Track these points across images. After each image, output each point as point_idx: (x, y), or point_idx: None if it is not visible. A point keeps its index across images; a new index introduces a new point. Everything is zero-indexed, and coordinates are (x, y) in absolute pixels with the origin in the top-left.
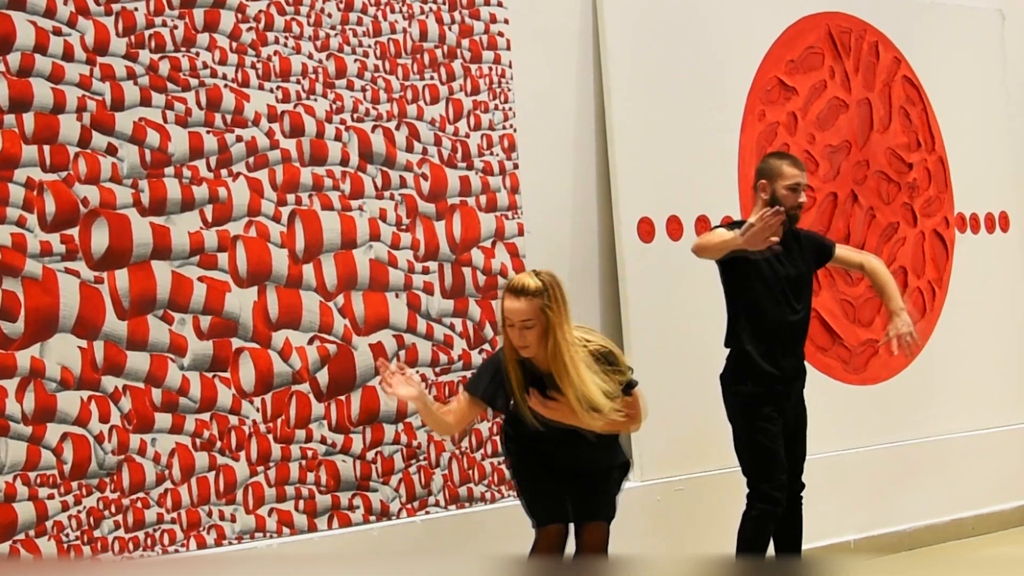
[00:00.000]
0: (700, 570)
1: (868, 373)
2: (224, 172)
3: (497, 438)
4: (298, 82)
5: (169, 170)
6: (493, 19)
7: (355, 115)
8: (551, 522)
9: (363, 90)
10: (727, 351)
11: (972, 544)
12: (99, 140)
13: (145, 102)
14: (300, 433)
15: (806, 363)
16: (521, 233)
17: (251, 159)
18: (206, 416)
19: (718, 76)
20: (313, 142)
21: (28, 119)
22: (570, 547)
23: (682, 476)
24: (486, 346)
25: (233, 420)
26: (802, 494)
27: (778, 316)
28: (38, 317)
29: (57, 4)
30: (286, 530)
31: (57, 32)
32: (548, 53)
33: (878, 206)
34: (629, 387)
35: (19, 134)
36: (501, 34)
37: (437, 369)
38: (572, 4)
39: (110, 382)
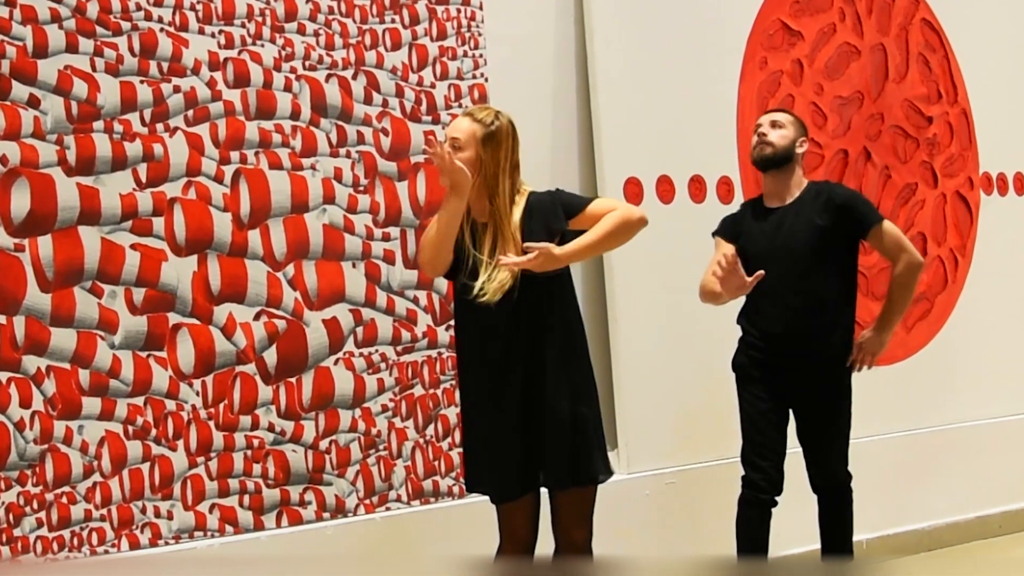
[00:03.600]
0: (693, 571)
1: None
2: (160, 127)
3: None
4: (243, 26)
5: (98, 124)
6: None
7: (307, 63)
8: (515, 494)
9: (316, 35)
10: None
11: (999, 544)
12: (19, 91)
13: (71, 48)
14: (245, 420)
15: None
16: None
17: (190, 112)
18: (139, 400)
19: (715, 19)
20: (260, 93)
21: None
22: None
23: (674, 468)
24: (453, 321)
25: (170, 405)
26: (838, 489)
27: (776, 287)
28: None
29: None
30: (229, 528)
31: None
32: None
33: (894, 165)
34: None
35: None
36: None
37: (399, 348)
38: None
39: (32, 362)
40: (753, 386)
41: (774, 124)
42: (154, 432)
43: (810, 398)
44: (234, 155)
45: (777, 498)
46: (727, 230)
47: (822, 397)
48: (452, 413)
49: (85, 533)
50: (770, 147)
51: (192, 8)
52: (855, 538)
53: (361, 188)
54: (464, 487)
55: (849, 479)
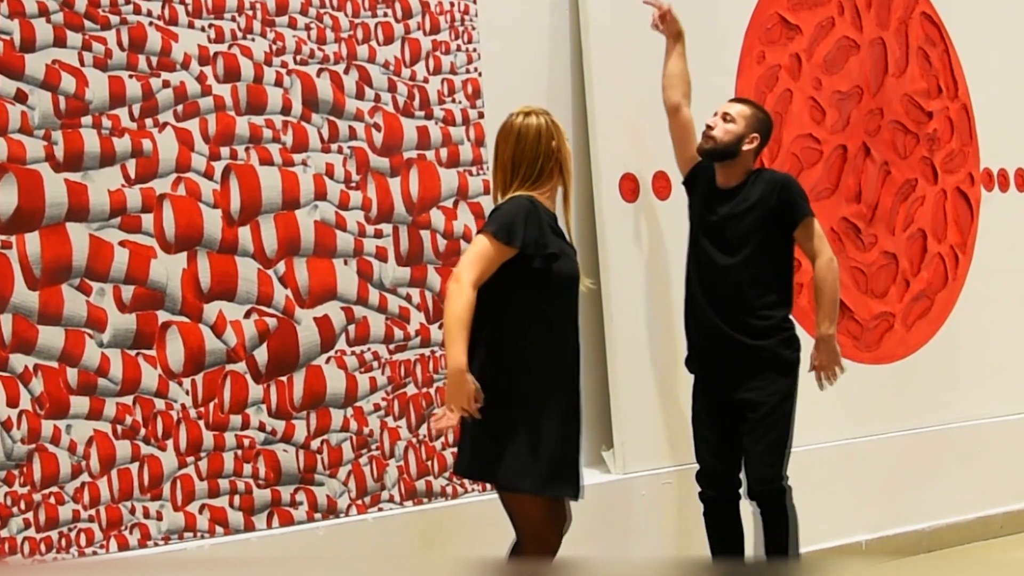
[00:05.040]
0: (689, 572)
1: (882, 350)
2: (149, 122)
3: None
4: (233, 19)
5: (86, 120)
6: None
7: (298, 57)
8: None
9: (307, 28)
10: None
11: (1000, 545)
12: (6, 86)
13: (59, 42)
14: (235, 419)
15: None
16: (487, 191)
17: (180, 107)
18: (128, 400)
19: (712, 12)
20: (250, 88)
21: None
22: None
23: (670, 468)
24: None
25: (159, 404)
26: (767, 498)
27: (700, 272)
28: None
29: None
30: (219, 529)
31: None
32: None
33: (893, 160)
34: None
35: None
36: None
37: (391, 346)
38: None
39: (19, 361)
40: (696, 385)
41: (725, 117)
42: (143, 432)
43: (743, 398)
44: (224, 151)
45: (728, 495)
46: (700, 164)
47: (754, 398)
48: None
49: (73, 534)
50: (711, 141)
51: (182, 2)
52: (860, 538)
53: (353, 184)
54: (537, 488)
55: (782, 491)
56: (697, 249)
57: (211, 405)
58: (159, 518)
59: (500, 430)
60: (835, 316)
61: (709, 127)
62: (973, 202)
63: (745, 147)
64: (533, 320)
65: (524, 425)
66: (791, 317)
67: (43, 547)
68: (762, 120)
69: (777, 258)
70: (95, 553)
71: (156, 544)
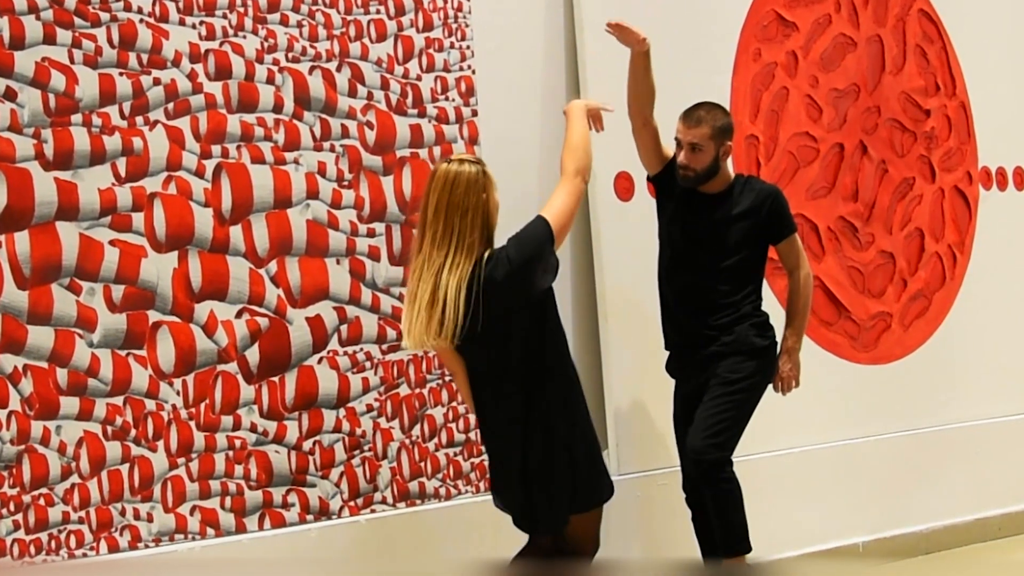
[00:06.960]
0: (684, 573)
1: (880, 351)
2: (139, 120)
3: (452, 426)
4: (224, 16)
5: (76, 118)
6: None
7: (290, 55)
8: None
9: (299, 26)
10: None
11: (999, 547)
12: None
13: (49, 39)
14: (227, 420)
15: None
16: None
17: (170, 105)
18: (119, 400)
19: (708, 9)
20: (242, 85)
21: None
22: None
23: (666, 469)
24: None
25: (150, 405)
26: (715, 472)
27: (681, 277)
28: None
29: None
30: (210, 531)
31: None
32: None
33: (891, 159)
34: None
35: None
36: None
37: (384, 346)
38: None
39: (8, 361)
40: (676, 391)
41: (693, 148)
42: (133, 432)
43: (707, 380)
44: (215, 149)
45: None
46: (668, 168)
47: (718, 373)
48: (438, 413)
49: (63, 536)
50: (692, 172)
51: None
52: (857, 540)
53: (345, 183)
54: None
55: (719, 465)
56: (676, 253)
57: (202, 406)
58: (150, 520)
59: (575, 456)
60: (803, 331)
61: (684, 165)
62: (971, 201)
63: (721, 161)
64: (563, 340)
65: (590, 437)
66: (763, 308)
67: (32, 549)
68: (723, 125)
69: (757, 260)
70: (85, 555)
71: (147, 546)
